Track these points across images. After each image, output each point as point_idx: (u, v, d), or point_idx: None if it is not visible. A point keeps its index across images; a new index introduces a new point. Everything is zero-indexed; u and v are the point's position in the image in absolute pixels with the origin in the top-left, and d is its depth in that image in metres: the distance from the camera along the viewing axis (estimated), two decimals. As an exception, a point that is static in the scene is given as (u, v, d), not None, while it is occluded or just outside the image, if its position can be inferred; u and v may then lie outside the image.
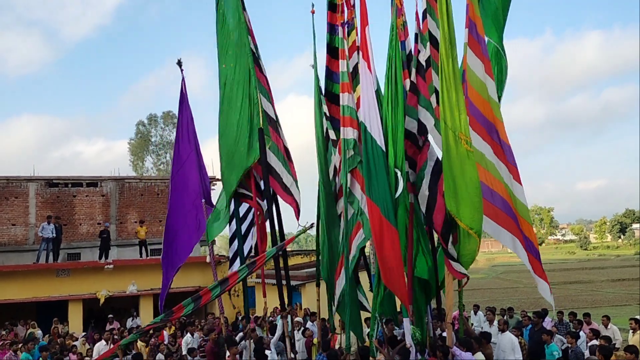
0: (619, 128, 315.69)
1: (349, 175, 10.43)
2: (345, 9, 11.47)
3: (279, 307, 16.67)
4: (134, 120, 70.38)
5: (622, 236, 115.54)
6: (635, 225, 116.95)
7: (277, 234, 11.42)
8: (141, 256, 23.58)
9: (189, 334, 13.37)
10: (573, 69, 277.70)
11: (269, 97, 11.77)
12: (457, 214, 8.76)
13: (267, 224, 11.58)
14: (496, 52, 11.20)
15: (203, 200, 11.67)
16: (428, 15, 10.39)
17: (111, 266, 21.76)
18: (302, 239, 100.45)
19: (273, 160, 11.31)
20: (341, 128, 10.63)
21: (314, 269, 13.63)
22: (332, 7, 11.79)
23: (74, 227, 25.56)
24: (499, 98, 10.52)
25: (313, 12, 11.80)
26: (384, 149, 9.69)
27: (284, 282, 11.58)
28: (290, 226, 12.79)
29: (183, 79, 12.79)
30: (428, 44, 10.29)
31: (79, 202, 25.78)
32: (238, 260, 11.66)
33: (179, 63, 12.58)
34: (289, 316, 11.74)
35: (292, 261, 21.41)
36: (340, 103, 10.73)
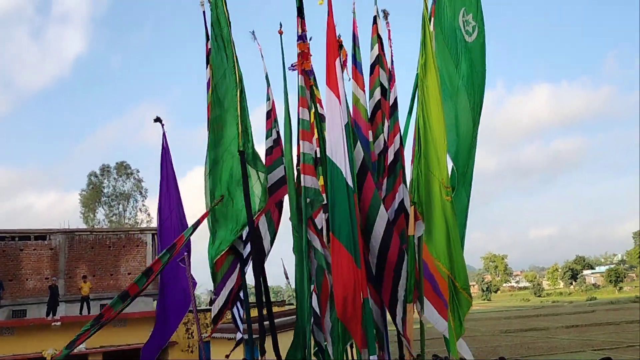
0: (568, 177, 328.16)
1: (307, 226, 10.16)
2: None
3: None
4: (89, 171, 69.07)
5: (573, 282, 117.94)
6: (585, 272, 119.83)
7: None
8: (81, 313, 22.56)
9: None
10: (523, 121, 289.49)
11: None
12: (445, 265, 8.38)
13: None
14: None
15: (185, 254, 11.40)
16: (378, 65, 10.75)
17: (59, 323, 20.84)
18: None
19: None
20: (301, 176, 10.40)
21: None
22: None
23: (20, 282, 24.46)
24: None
25: (281, 33, 11.09)
26: (350, 185, 8.94)
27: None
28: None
29: (164, 134, 12.60)
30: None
31: (26, 256, 24.77)
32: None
33: (159, 120, 12.38)
34: None
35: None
36: (301, 150, 10.53)
